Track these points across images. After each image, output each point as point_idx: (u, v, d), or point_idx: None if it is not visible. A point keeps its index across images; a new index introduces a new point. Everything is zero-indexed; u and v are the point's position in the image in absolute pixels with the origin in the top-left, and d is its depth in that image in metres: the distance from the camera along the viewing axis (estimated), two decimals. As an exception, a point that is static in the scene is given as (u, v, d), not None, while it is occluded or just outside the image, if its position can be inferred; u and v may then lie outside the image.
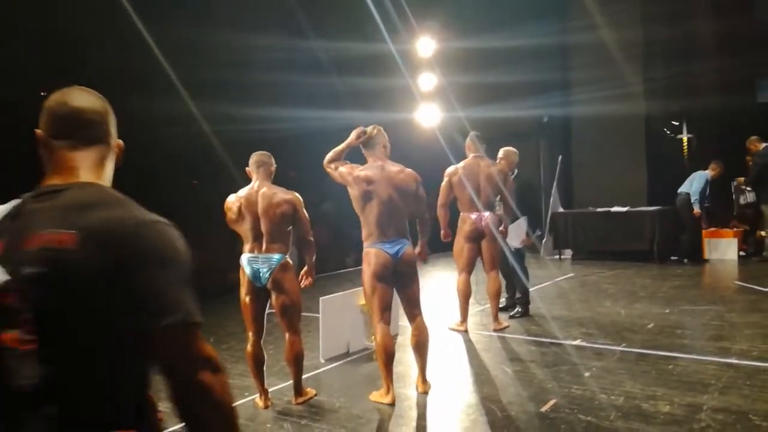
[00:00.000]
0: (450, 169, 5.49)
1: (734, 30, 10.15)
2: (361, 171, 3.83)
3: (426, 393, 4.00)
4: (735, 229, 9.33)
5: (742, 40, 10.19)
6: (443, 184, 5.45)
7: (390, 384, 3.84)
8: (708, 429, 3.16)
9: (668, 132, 11.73)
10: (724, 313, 5.81)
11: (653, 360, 4.42)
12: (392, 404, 3.80)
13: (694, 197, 8.84)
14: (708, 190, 9.00)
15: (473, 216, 5.42)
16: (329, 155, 3.94)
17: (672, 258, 9.30)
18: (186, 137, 8.29)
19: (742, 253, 9.20)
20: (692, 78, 10.65)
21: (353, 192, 3.85)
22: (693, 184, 8.93)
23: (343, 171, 3.86)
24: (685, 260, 9.08)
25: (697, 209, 8.84)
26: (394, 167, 3.90)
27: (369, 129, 3.95)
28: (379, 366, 3.88)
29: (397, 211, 3.84)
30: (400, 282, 3.90)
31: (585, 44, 11.17)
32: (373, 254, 3.80)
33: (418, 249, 4.10)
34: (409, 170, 3.94)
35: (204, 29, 7.96)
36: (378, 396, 3.90)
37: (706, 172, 8.99)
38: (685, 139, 11.31)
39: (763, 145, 8.55)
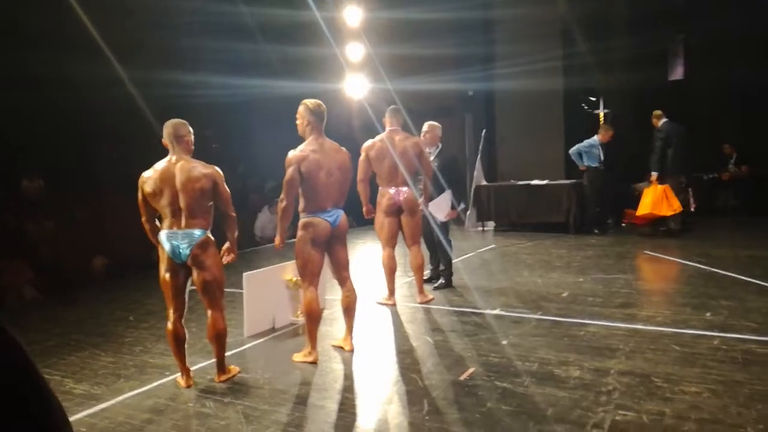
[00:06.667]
0: (367, 144, 5.47)
1: (648, 7, 10.67)
2: (305, 150, 4.03)
3: (352, 351, 4.30)
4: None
5: (656, 17, 10.72)
6: (361, 159, 5.39)
7: (314, 344, 4.16)
8: (614, 392, 3.37)
9: (586, 107, 12.19)
10: (632, 281, 6.17)
11: (566, 327, 4.65)
12: (315, 363, 4.10)
13: (574, 156, 9.88)
14: (602, 154, 9.74)
15: (391, 190, 5.44)
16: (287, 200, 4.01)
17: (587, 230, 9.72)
18: (110, 101, 7.97)
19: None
20: (608, 54, 11.11)
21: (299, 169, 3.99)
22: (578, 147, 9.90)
23: (293, 169, 3.97)
24: (596, 230, 9.60)
25: (582, 166, 9.83)
26: (332, 145, 4.14)
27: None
28: (306, 329, 4.19)
29: (336, 184, 4.10)
30: (333, 248, 4.18)
31: (507, 19, 11.40)
32: (313, 222, 4.03)
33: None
34: (344, 149, 4.21)
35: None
36: (302, 356, 4.17)
37: (595, 137, 9.80)
38: (601, 114, 11.77)
39: (663, 120, 8.99)
